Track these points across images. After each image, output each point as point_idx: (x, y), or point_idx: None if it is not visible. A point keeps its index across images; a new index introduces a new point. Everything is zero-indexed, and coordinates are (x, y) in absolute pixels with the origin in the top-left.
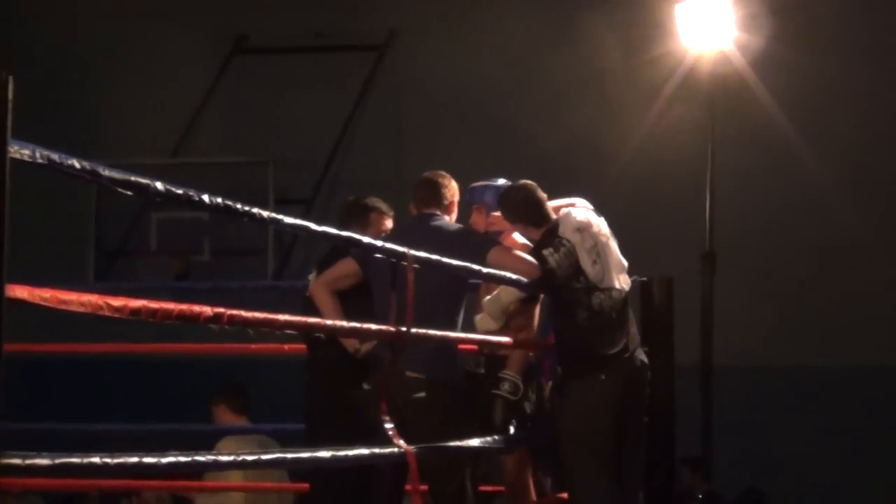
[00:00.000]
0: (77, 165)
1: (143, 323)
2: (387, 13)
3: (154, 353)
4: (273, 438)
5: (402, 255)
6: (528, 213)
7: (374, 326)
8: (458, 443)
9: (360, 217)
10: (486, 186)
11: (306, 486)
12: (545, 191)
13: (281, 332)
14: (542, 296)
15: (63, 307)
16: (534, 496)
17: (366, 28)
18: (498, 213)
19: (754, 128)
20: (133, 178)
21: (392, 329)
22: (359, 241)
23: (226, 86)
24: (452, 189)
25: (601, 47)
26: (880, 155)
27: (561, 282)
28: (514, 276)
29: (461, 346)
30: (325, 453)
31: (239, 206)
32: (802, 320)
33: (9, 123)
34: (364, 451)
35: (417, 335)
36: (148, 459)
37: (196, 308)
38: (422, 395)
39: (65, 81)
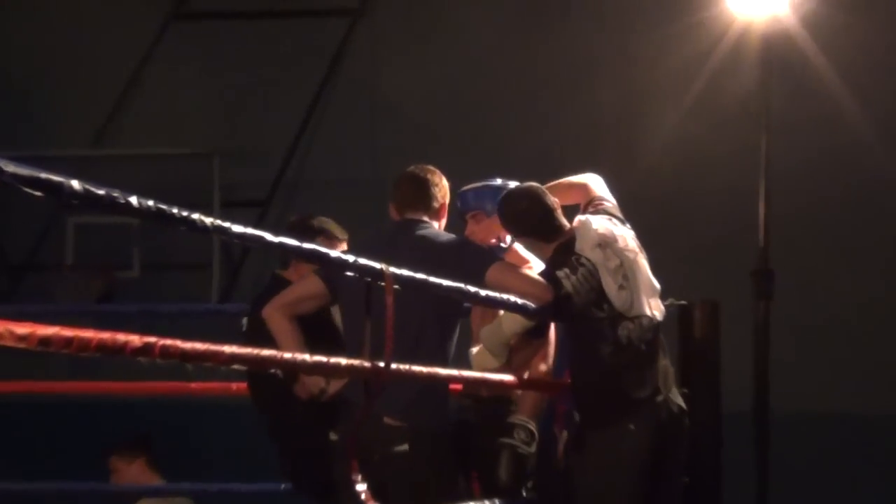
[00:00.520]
0: None
1: (56, 355)
2: None
3: (68, 394)
4: (215, 501)
5: (380, 273)
6: (535, 224)
7: (343, 361)
8: None
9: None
10: (483, 189)
11: None
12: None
13: (228, 367)
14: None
15: None
16: None
17: None
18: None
19: (816, 112)
20: (43, 175)
21: (366, 364)
22: (325, 257)
23: (161, 59)
24: (443, 188)
25: (625, 13)
26: None
27: (579, 309)
28: (519, 301)
29: (453, 387)
30: None
31: (176, 210)
32: (883, 356)
33: None
34: None
35: (398, 373)
36: None
37: (121, 337)
38: (404, 447)
39: None
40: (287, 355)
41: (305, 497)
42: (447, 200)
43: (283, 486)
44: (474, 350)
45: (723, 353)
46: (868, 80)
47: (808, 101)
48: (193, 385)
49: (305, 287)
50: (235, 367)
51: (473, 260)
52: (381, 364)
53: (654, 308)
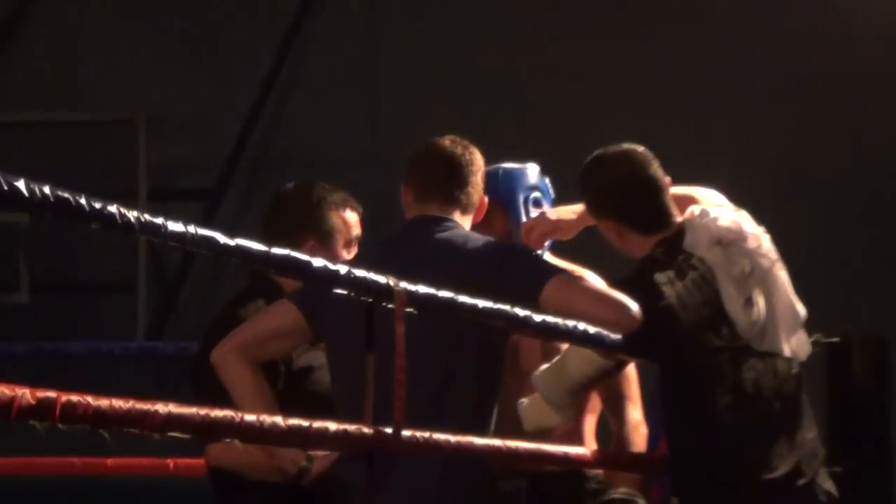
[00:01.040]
0: None
1: None
2: None
3: None
4: None
5: (386, 290)
6: (633, 202)
7: (333, 426)
8: None
9: (301, 221)
10: (495, 172)
11: None
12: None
13: (162, 434)
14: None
15: None
16: None
17: None
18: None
19: None
20: None
21: (367, 430)
22: (306, 267)
23: None
24: (479, 168)
25: None
26: None
27: (685, 332)
28: (592, 329)
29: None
30: None
31: (84, 200)
32: None
33: None
34: None
35: (413, 442)
36: None
37: (6, 390)
38: None
39: None
40: (248, 418)
41: None
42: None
43: None
44: (525, 402)
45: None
46: None
47: None
48: (110, 462)
49: (273, 318)
50: (174, 434)
51: (523, 271)
52: (388, 430)
53: (796, 345)
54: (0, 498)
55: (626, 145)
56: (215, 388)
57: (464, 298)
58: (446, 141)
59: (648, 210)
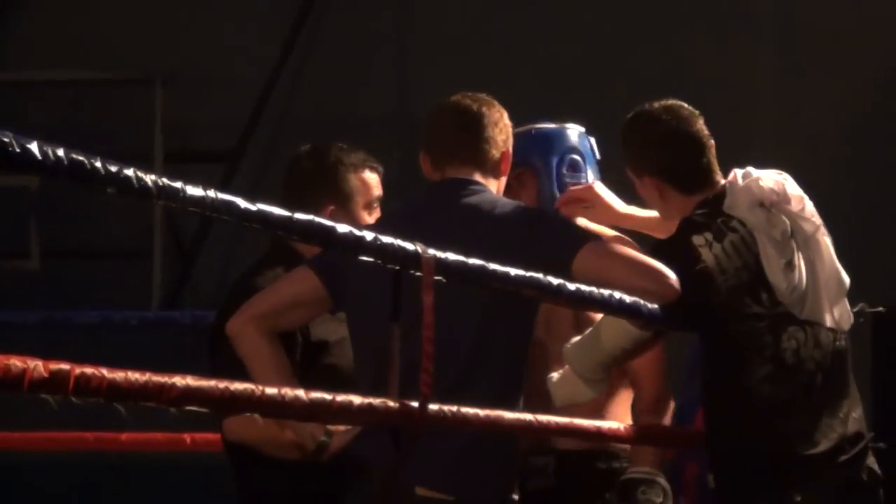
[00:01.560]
0: None
1: None
2: None
3: None
4: None
5: (414, 257)
6: (676, 159)
7: (356, 399)
8: None
9: (317, 184)
10: (529, 134)
11: None
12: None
13: (179, 409)
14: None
15: None
16: None
17: None
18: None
19: None
20: None
21: (392, 404)
22: (330, 233)
23: None
24: (505, 129)
25: None
26: None
27: (723, 298)
28: (628, 299)
29: (525, 437)
30: None
31: (99, 163)
32: None
33: None
34: None
35: (441, 417)
36: None
37: (17, 362)
38: None
39: None
40: (269, 391)
41: None
42: (510, 148)
43: None
44: (555, 376)
45: None
46: None
47: None
48: (124, 437)
49: (291, 287)
50: (191, 408)
51: (555, 238)
52: (415, 403)
53: (839, 315)
54: (13, 474)
55: (671, 101)
56: (233, 360)
57: (494, 266)
58: (457, 97)
59: (692, 167)
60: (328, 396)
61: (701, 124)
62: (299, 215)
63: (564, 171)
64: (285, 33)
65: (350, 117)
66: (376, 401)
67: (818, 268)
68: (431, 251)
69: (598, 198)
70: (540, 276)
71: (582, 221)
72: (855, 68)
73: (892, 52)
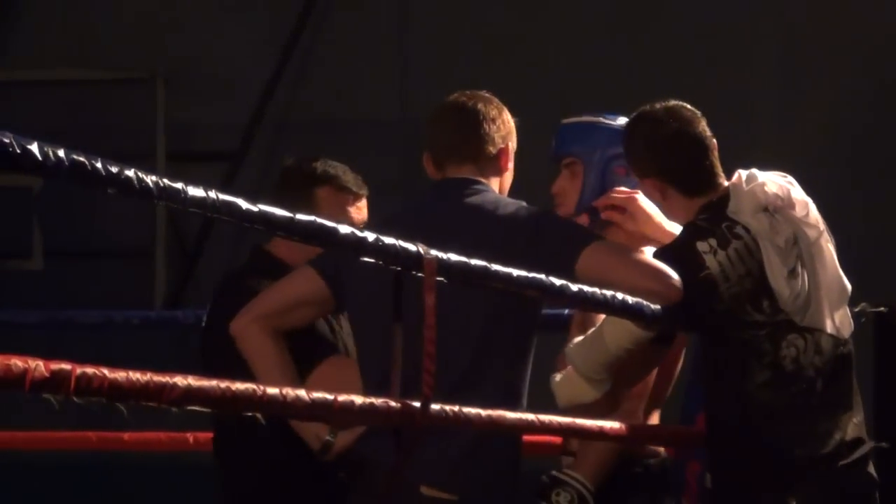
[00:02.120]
0: None
1: None
2: None
3: None
4: None
5: (416, 258)
6: (680, 162)
7: (358, 399)
8: None
9: (296, 196)
10: (585, 125)
11: None
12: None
13: (181, 408)
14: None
15: None
16: None
17: None
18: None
19: None
20: None
21: (394, 404)
22: (332, 233)
23: None
24: (505, 126)
25: None
26: None
27: (727, 306)
28: (631, 300)
29: (527, 439)
30: None
31: (100, 163)
32: None
33: None
34: None
35: (444, 417)
36: None
37: (18, 362)
38: None
39: None
40: (271, 391)
41: None
42: (512, 145)
43: None
44: (558, 377)
45: None
46: None
47: None
48: (127, 436)
49: (296, 286)
50: (194, 408)
51: (558, 238)
52: (417, 404)
53: (840, 322)
54: (15, 473)
55: (673, 102)
56: (228, 363)
57: (497, 267)
58: (455, 95)
59: (695, 170)
60: (330, 396)
61: (703, 125)
62: (301, 216)
63: (614, 169)
64: (287, 34)
65: (351, 118)
66: (378, 401)
67: (820, 274)
68: (433, 252)
69: (639, 209)
70: (542, 276)
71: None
72: (857, 68)
73: (894, 52)
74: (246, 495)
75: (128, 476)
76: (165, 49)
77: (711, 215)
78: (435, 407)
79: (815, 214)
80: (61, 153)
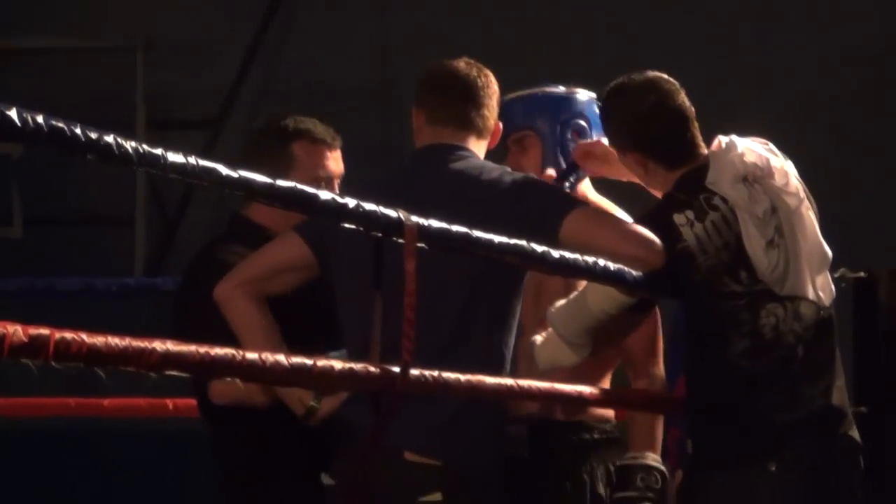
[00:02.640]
0: None
1: None
2: None
3: None
4: None
5: (396, 224)
6: (660, 135)
7: (337, 364)
8: None
9: (272, 154)
10: (536, 97)
11: None
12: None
13: (160, 373)
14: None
15: None
16: None
17: None
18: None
19: None
20: None
21: (374, 369)
22: (312, 199)
23: None
24: (494, 91)
25: None
26: None
27: (703, 277)
28: (613, 266)
29: (514, 404)
30: None
31: (79, 130)
32: None
33: None
34: None
35: (424, 382)
36: None
37: None
38: (434, 497)
39: None
40: (250, 356)
41: None
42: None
43: None
44: (538, 339)
45: None
46: None
47: None
48: (107, 402)
49: (281, 252)
50: (173, 373)
51: (542, 204)
52: (397, 369)
53: (821, 288)
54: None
55: (651, 73)
56: (201, 332)
57: (478, 234)
58: (461, 63)
59: (676, 143)
60: (309, 361)
61: (683, 97)
62: (281, 182)
63: (569, 136)
64: (267, 1)
65: (332, 84)
66: (358, 366)
67: (801, 242)
68: (414, 218)
69: (609, 152)
70: (524, 243)
71: (590, 190)
72: (840, 34)
73: (877, 18)
74: (239, 460)
75: (109, 443)
76: (145, 17)
77: (689, 186)
78: (415, 372)
79: (794, 182)
80: (40, 119)
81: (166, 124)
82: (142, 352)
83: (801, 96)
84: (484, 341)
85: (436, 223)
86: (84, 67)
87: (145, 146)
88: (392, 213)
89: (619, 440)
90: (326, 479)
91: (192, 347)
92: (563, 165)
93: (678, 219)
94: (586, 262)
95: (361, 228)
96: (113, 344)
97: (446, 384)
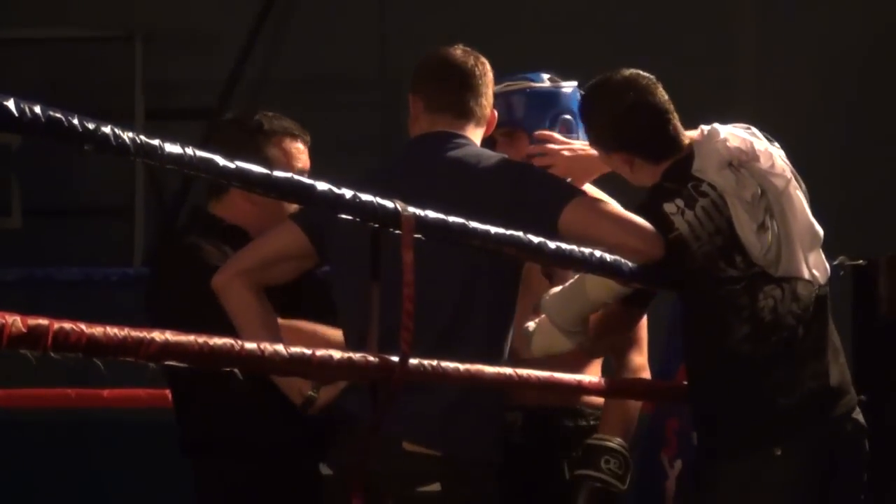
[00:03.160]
0: None
1: None
2: None
3: None
4: None
5: (393, 215)
6: (642, 132)
7: (336, 354)
8: None
9: (235, 153)
10: (523, 91)
11: None
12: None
13: (159, 364)
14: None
15: None
16: None
17: None
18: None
19: None
20: None
21: (372, 359)
22: (309, 190)
23: None
24: (490, 80)
25: None
26: None
27: (698, 264)
28: (609, 257)
29: (517, 394)
30: None
31: (77, 120)
32: None
33: None
34: None
35: (423, 372)
36: None
37: None
38: (433, 488)
39: None
40: (249, 345)
41: None
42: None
43: None
44: (532, 325)
45: None
46: None
47: None
48: (106, 393)
49: (278, 241)
50: (172, 363)
51: (540, 194)
52: (395, 358)
53: (815, 266)
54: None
55: (628, 71)
56: (177, 321)
57: (475, 224)
58: (458, 50)
59: (658, 138)
60: (308, 351)
61: (661, 91)
62: (278, 173)
63: (557, 131)
64: None
65: (330, 75)
66: (356, 356)
67: (791, 222)
68: (411, 209)
69: (573, 160)
70: (520, 234)
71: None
72: (836, 25)
73: (873, 10)
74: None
75: (108, 434)
76: (144, 7)
77: (677, 176)
78: (413, 362)
79: (780, 163)
80: (38, 109)
81: (165, 114)
82: (140, 342)
83: (800, 83)
84: (482, 333)
85: (433, 214)
86: (83, 57)
87: (142, 136)
88: (389, 203)
89: None
90: (325, 469)
91: (192, 337)
92: None
93: (668, 208)
94: (582, 254)
95: (358, 219)
96: (112, 334)
97: (445, 373)
